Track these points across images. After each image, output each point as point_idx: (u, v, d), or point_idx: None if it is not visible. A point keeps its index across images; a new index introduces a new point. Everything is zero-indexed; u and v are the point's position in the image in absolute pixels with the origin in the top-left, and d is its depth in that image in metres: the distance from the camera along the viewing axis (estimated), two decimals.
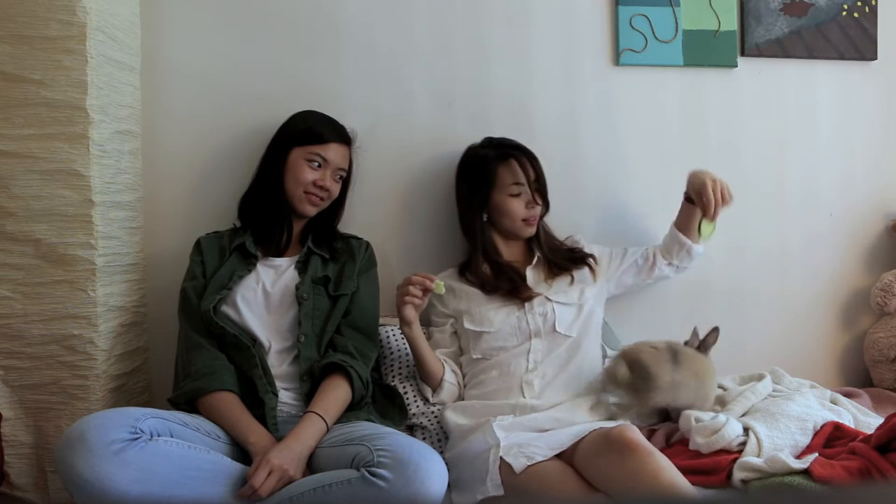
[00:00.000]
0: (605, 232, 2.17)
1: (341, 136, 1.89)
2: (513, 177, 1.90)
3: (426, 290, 1.76)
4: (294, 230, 1.89)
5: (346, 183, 1.94)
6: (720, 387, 1.94)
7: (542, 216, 1.96)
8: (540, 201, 1.92)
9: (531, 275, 1.93)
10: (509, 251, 1.97)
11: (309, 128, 1.86)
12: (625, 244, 2.09)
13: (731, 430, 1.58)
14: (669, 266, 2.03)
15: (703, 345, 1.80)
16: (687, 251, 2.00)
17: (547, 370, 1.82)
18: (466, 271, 1.94)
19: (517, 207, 1.91)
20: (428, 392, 1.85)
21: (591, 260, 1.96)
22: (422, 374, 1.85)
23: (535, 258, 1.96)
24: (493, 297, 1.88)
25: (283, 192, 1.85)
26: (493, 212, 1.93)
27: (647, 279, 2.03)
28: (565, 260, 1.95)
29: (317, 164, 1.84)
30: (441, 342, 1.91)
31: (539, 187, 1.92)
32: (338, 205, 1.94)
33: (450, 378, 1.84)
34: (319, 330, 1.77)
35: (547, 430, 1.66)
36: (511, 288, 1.87)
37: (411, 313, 1.77)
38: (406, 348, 1.91)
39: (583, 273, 1.94)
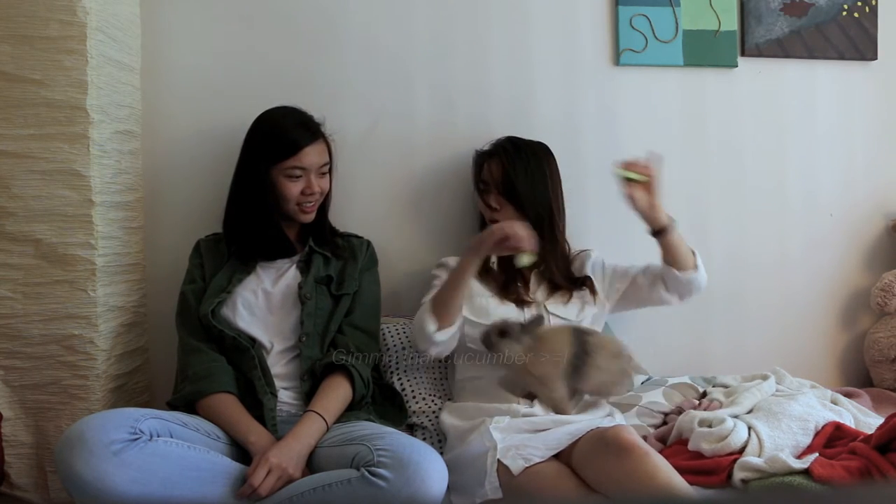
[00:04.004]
0: (604, 232, 2.16)
1: (312, 133, 1.79)
2: (479, 174, 1.95)
3: (515, 250, 1.65)
4: (291, 233, 1.86)
5: (329, 171, 1.86)
6: (722, 385, 1.94)
7: (537, 227, 1.87)
8: (496, 205, 1.87)
9: (535, 279, 1.90)
10: None
11: (279, 140, 1.76)
12: (624, 243, 2.07)
13: (738, 438, 1.58)
14: (668, 292, 1.90)
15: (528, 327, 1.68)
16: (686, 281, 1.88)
17: None
18: None
19: (481, 204, 1.94)
20: (432, 327, 1.70)
21: (588, 283, 1.89)
22: (442, 307, 1.71)
23: (544, 265, 1.91)
24: (494, 291, 1.86)
25: (269, 209, 1.78)
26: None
27: (647, 302, 1.94)
28: (565, 279, 1.89)
29: (297, 175, 1.77)
30: None
31: (506, 192, 1.86)
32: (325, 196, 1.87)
33: (457, 329, 1.75)
34: (322, 329, 1.76)
35: (544, 430, 1.66)
36: (506, 282, 1.86)
37: (485, 252, 1.69)
38: (404, 345, 1.91)
39: (583, 293, 1.89)
